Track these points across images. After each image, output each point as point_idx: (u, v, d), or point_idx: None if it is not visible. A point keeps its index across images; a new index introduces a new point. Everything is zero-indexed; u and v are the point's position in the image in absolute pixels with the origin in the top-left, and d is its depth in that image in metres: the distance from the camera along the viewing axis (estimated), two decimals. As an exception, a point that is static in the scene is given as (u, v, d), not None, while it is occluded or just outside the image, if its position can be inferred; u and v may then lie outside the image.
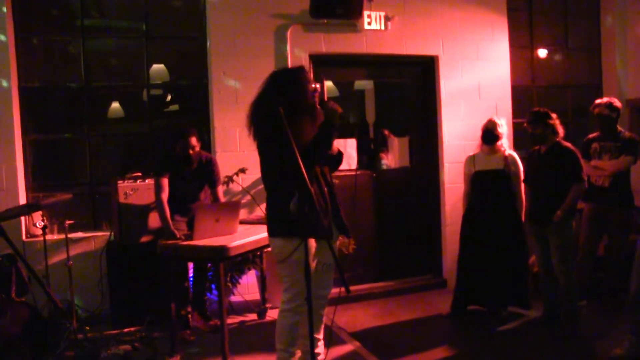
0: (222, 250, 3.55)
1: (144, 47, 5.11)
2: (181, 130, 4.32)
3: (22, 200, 4.66)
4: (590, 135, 4.89)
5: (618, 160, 4.62)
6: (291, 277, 3.07)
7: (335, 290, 4.35)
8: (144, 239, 4.47)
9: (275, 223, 3.10)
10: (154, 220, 4.42)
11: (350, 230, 3.27)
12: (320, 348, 3.35)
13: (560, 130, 4.28)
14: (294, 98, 3.04)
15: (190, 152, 4.28)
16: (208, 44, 5.09)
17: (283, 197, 2.97)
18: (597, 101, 4.79)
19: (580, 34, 6.59)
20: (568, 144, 4.27)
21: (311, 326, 2.72)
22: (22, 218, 4.66)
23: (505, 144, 4.72)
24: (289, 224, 2.95)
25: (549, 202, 4.22)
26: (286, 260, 2.98)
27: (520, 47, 6.22)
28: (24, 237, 4.71)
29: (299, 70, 3.21)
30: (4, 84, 4.60)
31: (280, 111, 2.79)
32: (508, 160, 4.63)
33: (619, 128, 4.73)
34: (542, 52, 6.41)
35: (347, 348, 4.04)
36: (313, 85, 3.12)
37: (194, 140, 4.28)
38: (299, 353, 3.27)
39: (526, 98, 6.20)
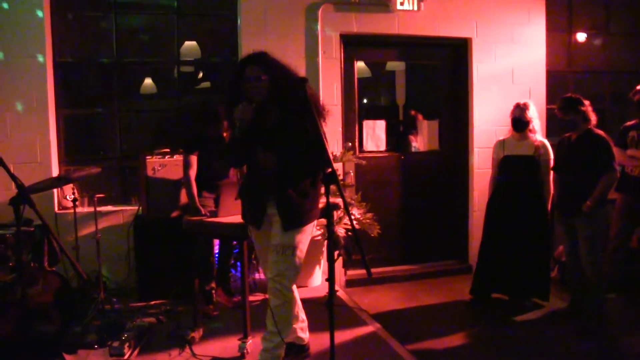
0: (245, 227, 3.56)
1: (175, 24, 5.14)
2: (214, 112, 4.26)
3: (55, 173, 4.76)
4: (629, 123, 4.70)
5: None
6: None
7: (357, 272, 4.37)
8: (174, 214, 4.53)
9: None
10: (185, 196, 4.46)
11: (302, 223, 3.02)
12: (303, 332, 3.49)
13: (593, 118, 4.14)
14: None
15: (225, 134, 4.30)
16: (239, 21, 5.08)
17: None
18: (639, 87, 4.61)
19: (622, 18, 6.36)
20: (600, 132, 4.13)
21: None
22: (55, 190, 4.77)
23: (537, 126, 4.59)
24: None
25: (578, 191, 4.10)
26: None
27: (558, 30, 6.03)
28: (56, 209, 4.83)
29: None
30: (40, 59, 4.68)
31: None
32: (538, 146, 4.52)
33: None
34: (581, 36, 6.20)
35: (367, 329, 4.05)
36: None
37: (227, 124, 4.26)
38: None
39: (561, 83, 6.02)
